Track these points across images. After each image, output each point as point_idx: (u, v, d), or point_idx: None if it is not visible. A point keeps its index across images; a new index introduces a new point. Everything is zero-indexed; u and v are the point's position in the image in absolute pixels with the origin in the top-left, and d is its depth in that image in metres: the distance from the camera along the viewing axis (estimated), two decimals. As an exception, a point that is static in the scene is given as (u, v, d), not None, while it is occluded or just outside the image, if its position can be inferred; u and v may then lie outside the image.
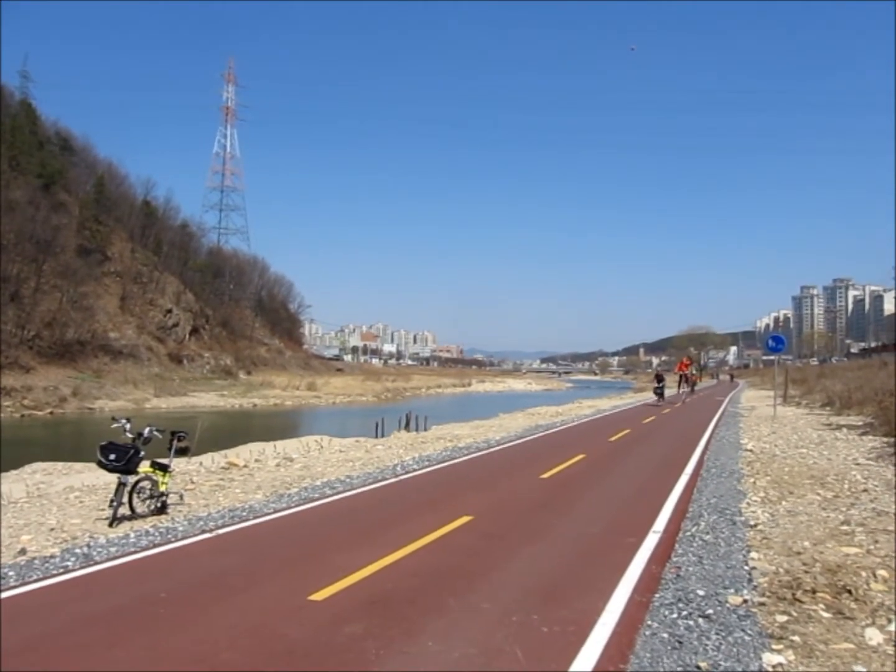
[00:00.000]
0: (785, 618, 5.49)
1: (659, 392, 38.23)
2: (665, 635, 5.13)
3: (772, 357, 40.22)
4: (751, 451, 16.44)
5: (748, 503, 10.15)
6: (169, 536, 8.21)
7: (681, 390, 44.14)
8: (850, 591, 5.99)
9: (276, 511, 9.66)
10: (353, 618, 5.40)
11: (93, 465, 9.87)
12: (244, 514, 9.52)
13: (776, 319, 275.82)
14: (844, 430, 21.29)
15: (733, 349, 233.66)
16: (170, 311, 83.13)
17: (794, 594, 5.98)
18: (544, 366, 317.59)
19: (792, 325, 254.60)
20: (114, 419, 9.66)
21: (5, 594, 6.08)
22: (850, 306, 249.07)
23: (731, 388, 69.26)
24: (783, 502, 10.22)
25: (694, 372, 61.38)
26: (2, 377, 50.39)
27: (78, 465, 18.55)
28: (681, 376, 43.90)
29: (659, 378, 40.24)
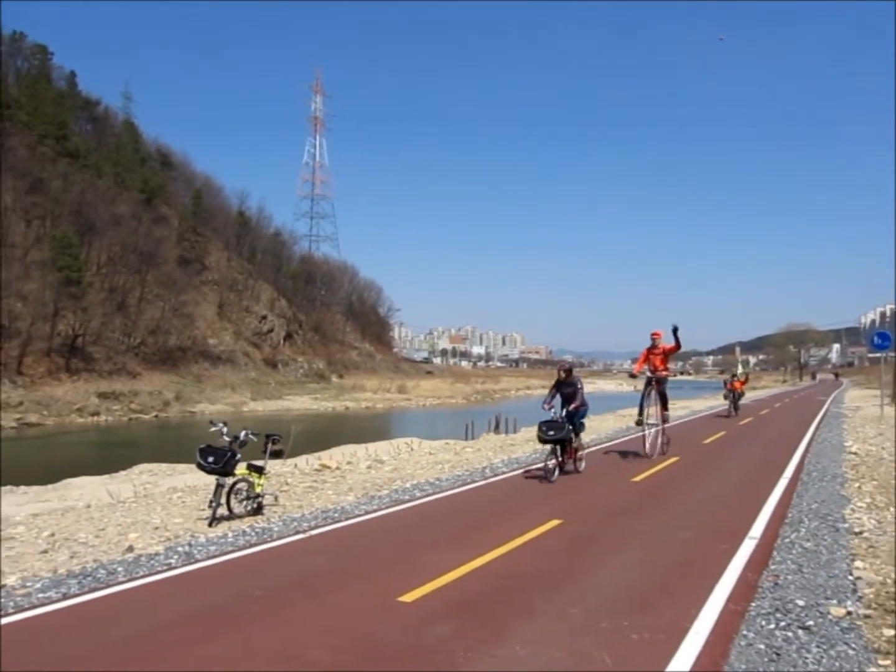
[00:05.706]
0: (893, 632, 5.20)
1: (552, 436, 12.43)
2: (762, 646, 4.95)
3: (878, 354, 36.11)
4: (855, 453, 15.67)
5: (852, 509, 9.69)
6: (265, 536, 8.47)
7: (647, 415, 16.11)
8: (965, 604, 5.64)
9: (366, 512, 9.82)
10: (442, 619, 5.45)
11: (193, 467, 10.29)
12: (336, 515, 9.72)
13: (882, 314, 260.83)
14: (960, 431, 20.02)
15: (836, 347, 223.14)
16: (264, 317, 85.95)
17: (902, 606, 5.68)
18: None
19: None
20: (211, 423, 10.04)
21: (116, 588, 6.43)
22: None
23: (833, 388, 66.35)
24: (891, 508, 9.70)
25: (737, 376, 31.84)
26: (100, 384, 53.25)
27: (180, 467, 19.32)
28: (648, 381, 16.14)
29: (567, 393, 13.20)
